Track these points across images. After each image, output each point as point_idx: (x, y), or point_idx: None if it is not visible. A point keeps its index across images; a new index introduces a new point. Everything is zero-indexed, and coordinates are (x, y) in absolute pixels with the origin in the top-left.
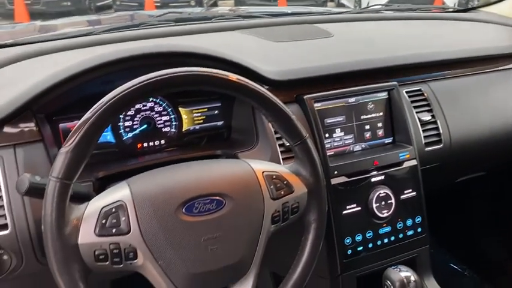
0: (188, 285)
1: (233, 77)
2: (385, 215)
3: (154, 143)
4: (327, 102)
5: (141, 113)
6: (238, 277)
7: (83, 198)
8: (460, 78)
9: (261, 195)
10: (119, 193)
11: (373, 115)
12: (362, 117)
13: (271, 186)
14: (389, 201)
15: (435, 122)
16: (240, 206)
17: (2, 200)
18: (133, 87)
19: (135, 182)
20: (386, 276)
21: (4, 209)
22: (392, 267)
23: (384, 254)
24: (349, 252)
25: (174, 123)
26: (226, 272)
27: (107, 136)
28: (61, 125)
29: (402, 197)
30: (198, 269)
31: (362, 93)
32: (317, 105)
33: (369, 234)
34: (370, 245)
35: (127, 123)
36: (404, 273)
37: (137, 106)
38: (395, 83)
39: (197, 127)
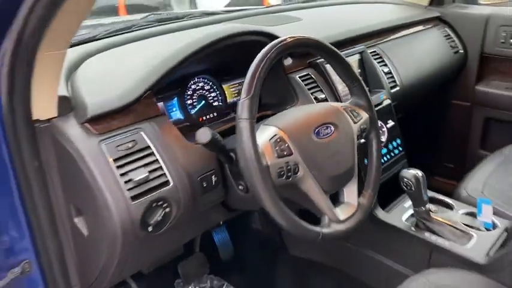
0: (330, 185)
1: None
2: (383, 139)
3: (210, 115)
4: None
5: (197, 92)
6: (349, 178)
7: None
8: (391, 41)
9: (348, 121)
10: (270, 130)
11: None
12: None
13: (351, 114)
14: (383, 129)
15: (390, 72)
16: (342, 130)
17: (159, 162)
18: (283, 43)
19: (276, 121)
20: (403, 176)
21: (163, 169)
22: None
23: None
24: None
25: (220, 97)
26: (345, 175)
27: (177, 114)
28: (159, 104)
29: (388, 126)
30: (332, 173)
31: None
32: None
33: None
34: None
35: (189, 101)
36: (414, 170)
37: (193, 86)
38: (363, 46)
39: (235, 99)
